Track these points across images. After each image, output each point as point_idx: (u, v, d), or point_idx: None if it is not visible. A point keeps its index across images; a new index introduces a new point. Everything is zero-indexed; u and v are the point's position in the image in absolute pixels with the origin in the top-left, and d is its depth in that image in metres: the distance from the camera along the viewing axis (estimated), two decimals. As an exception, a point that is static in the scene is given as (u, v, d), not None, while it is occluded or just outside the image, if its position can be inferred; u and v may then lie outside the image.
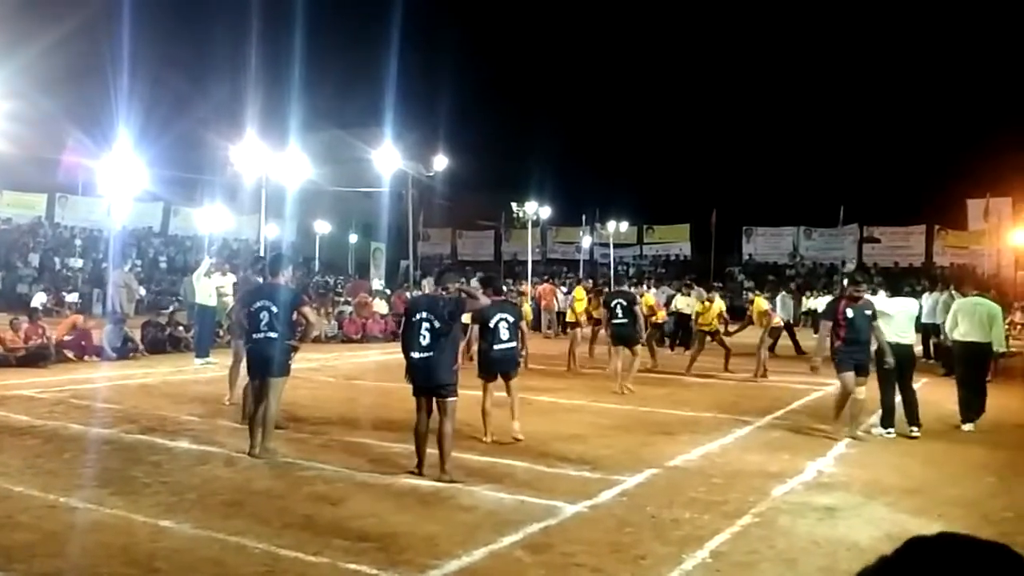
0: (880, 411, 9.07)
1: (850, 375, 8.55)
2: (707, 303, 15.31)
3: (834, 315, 8.78)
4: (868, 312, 8.65)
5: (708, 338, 15.13)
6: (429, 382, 6.66)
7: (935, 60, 48.37)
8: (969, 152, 39.82)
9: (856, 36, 50.63)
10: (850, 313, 8.60)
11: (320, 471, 6.72)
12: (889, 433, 8.85)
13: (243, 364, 8.10)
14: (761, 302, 15.48)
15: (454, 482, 6.33)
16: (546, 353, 16.54)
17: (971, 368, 10.11)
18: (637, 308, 12.53)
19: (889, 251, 40.46)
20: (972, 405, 9.73)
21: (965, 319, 10.22)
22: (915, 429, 8.87)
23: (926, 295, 17.56)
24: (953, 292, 15.13)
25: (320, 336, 17.81)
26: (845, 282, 8.67)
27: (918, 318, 11.61)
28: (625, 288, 14.31)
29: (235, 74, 34.98)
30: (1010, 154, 33.52)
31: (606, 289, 18.12)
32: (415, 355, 6.68)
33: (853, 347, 8.58)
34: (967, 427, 9.55)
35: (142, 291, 24.96)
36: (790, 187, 44.81)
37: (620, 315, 12.33)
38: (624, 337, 12.35)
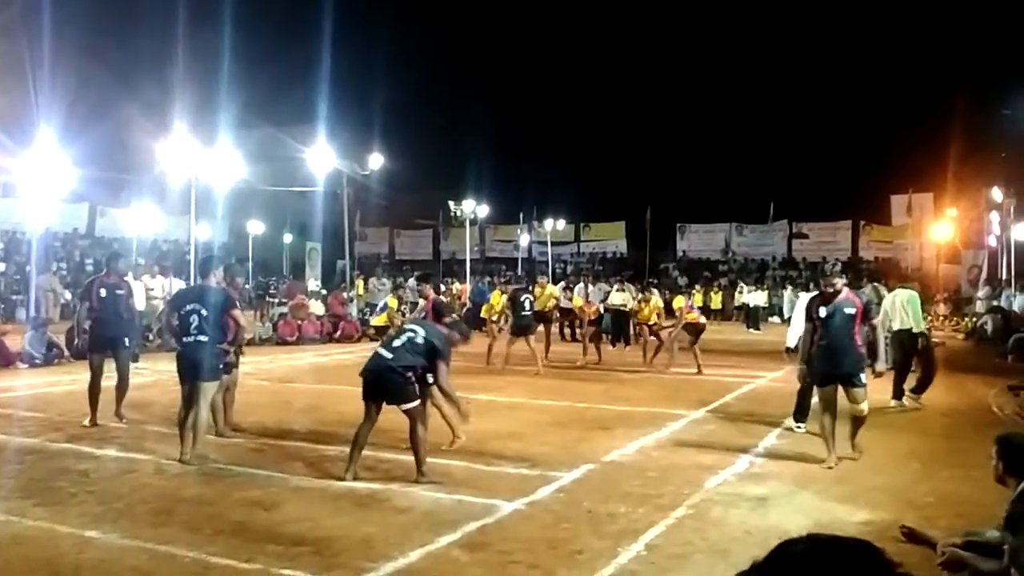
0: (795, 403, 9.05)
1: (828, 388, 7.44)
2: (643, 302, 15.54)
3: (809, 315, 7.56)
4: (850, 311, 7.30)
5: (647, 330, 15.35)
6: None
7: (859, 60, 49.73)
8: (892, 150, 41.10)
9: (783, 39, 51.75)
10: (823, 312, 7.34)
11: (253, 476, 6.60)
12: (799, 428, 8.81)
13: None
14: (680, 299, 15.49)
15: (433, 483, 6.28)
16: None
17: (900, 354, 10.64)
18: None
19: (817, 246, 41.48)
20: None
21: (890, 309, 10.94)
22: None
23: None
24: (877, 286, 15.67)
25: (254, 338, 17.49)
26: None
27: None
28: (524, 286, 16.64)
29: (164, 70, 34.04)
30: (931, 152, 34.77)
31: (511, 286, 18.85)
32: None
33: (829, 352, 7.37)
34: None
35: (67, 295, 24.14)
36: (722, 185, 45.51)
37: (527, 309, 14.22)
38: (528, 328, 14.09)
